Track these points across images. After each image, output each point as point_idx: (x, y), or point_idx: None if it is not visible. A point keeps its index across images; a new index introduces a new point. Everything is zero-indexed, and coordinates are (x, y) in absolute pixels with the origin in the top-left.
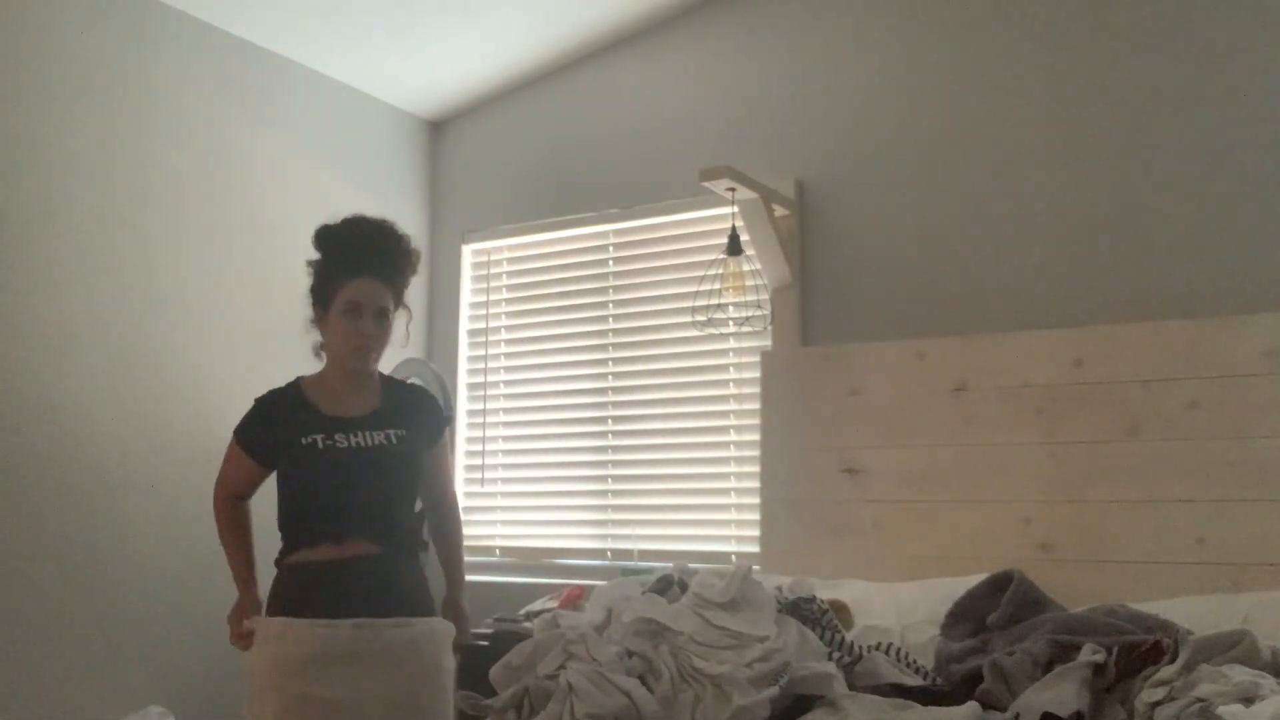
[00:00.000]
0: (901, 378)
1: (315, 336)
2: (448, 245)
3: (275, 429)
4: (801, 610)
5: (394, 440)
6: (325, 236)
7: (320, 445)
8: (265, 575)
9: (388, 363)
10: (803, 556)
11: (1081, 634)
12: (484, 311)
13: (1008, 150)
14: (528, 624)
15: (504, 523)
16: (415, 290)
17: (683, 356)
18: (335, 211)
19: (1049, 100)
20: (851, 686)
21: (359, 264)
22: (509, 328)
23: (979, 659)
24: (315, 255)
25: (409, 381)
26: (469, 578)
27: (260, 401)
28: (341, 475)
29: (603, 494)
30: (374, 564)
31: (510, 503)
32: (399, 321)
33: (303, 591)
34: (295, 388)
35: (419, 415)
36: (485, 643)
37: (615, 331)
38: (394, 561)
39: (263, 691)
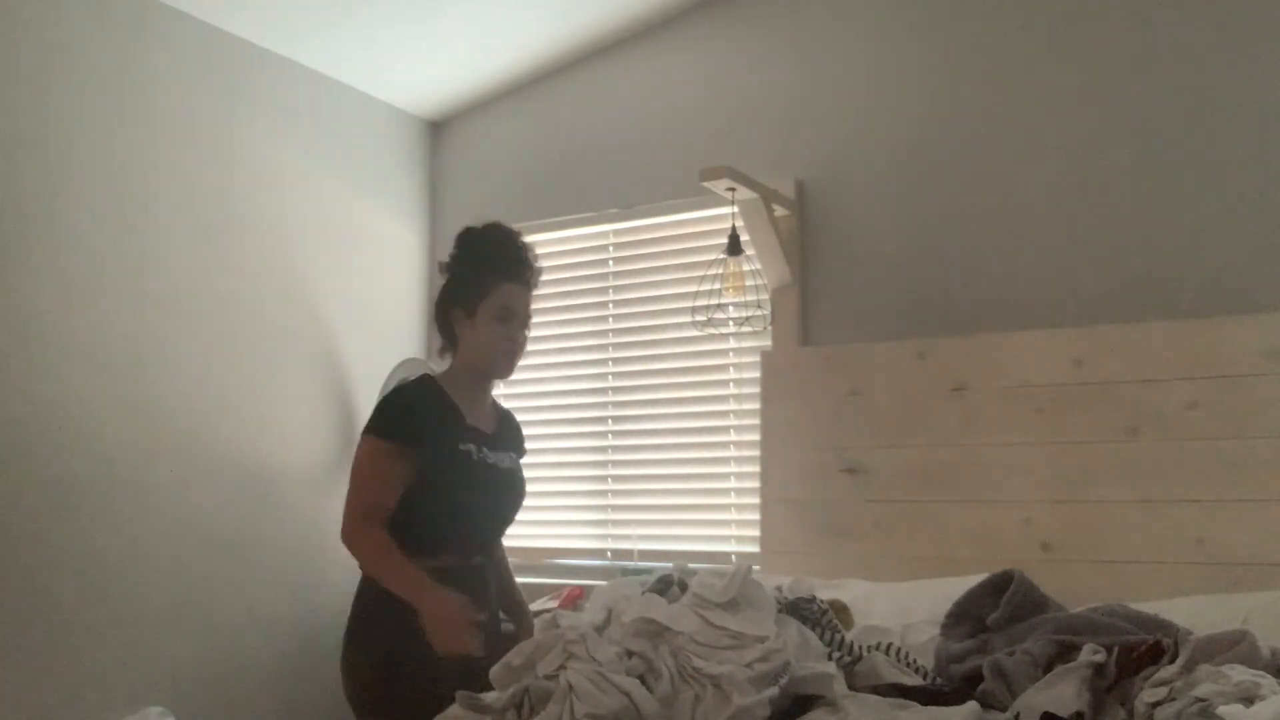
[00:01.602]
0: (902, 378)
1: (436, 338)
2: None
3: (427, 425)
4: (801, 610)
5: (518, 465)
6: (474, 239)
7: (474, 456)
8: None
9: (385, 363)
10: (803, 556)
11: (1081, 634)
12: None
13: (1008, 150)
14: None
15: None
16: (414, 291)
17: (683, 356)
18: (334, 210)
19: (1049, 100)
20: (851, 686)
21: (513, 270)
22: None
23: (979, 659)
24: (456, 255)
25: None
26: None
27: (401, 393)
28: (491, 493)
29: (603, 494)
30: (483, 571)
31: None
32: None
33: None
34: (434, 383)
35: (516, 439)
36: None
37: (615, 331)
38: (490, 569)
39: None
